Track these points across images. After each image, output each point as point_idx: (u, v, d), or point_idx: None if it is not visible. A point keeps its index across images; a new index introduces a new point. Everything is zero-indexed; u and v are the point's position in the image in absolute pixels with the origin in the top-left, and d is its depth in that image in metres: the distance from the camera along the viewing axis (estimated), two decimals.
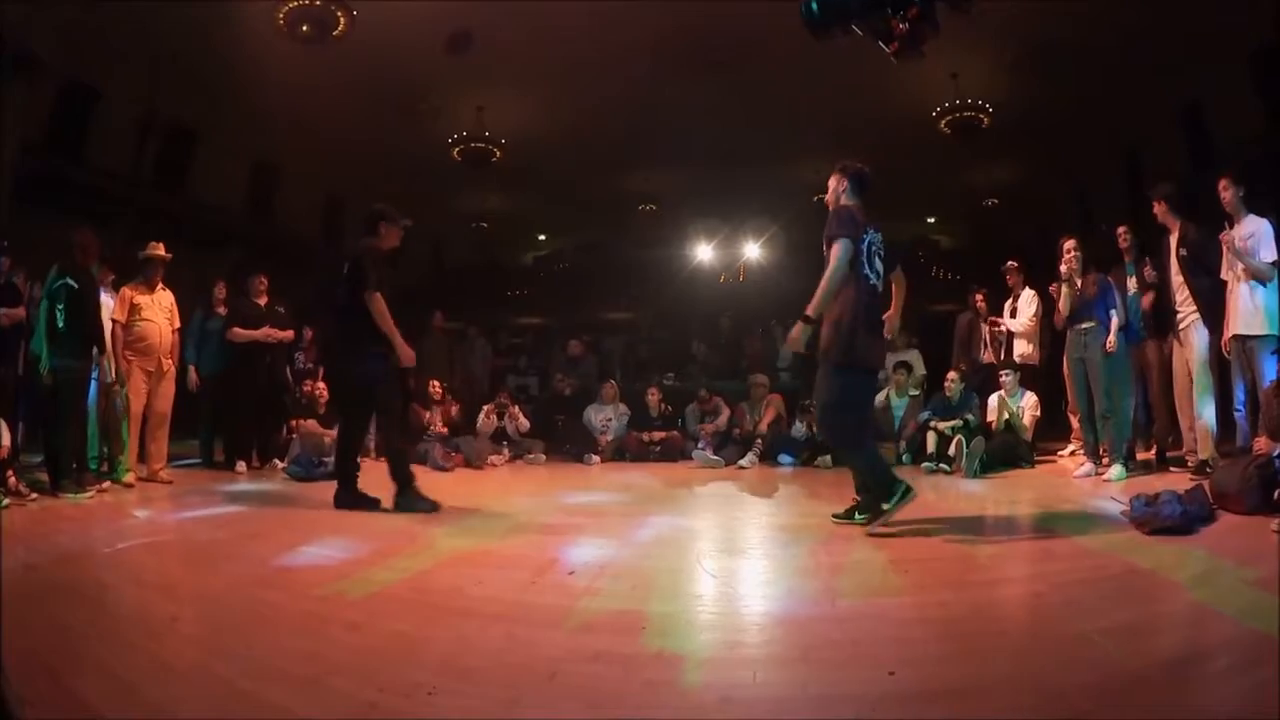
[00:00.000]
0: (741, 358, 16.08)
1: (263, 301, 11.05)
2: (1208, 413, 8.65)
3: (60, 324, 8.26)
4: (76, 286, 8.36)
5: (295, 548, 5.94)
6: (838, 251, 6.43)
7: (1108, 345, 8.89)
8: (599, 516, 7.56)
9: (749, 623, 4.36)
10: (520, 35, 13.46)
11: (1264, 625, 3.89)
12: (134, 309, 9.33)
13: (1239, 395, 8.27)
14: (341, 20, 12.83)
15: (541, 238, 22.35)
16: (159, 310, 9.54)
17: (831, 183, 6.95)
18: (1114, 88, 14.89)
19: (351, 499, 7.82)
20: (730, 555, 6.14)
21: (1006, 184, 19.95)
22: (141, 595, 4.54)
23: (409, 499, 7.65)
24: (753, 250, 17.98)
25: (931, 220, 23.37)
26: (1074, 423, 10.13)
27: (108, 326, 9.08)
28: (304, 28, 12.74)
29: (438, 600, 4.67)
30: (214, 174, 15.34)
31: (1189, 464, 8.87)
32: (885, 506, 6.47)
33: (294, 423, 10.93)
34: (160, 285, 9.59)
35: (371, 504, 7.69)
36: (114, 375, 9.24)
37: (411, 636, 4.05)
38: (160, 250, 9.63)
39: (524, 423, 12.77)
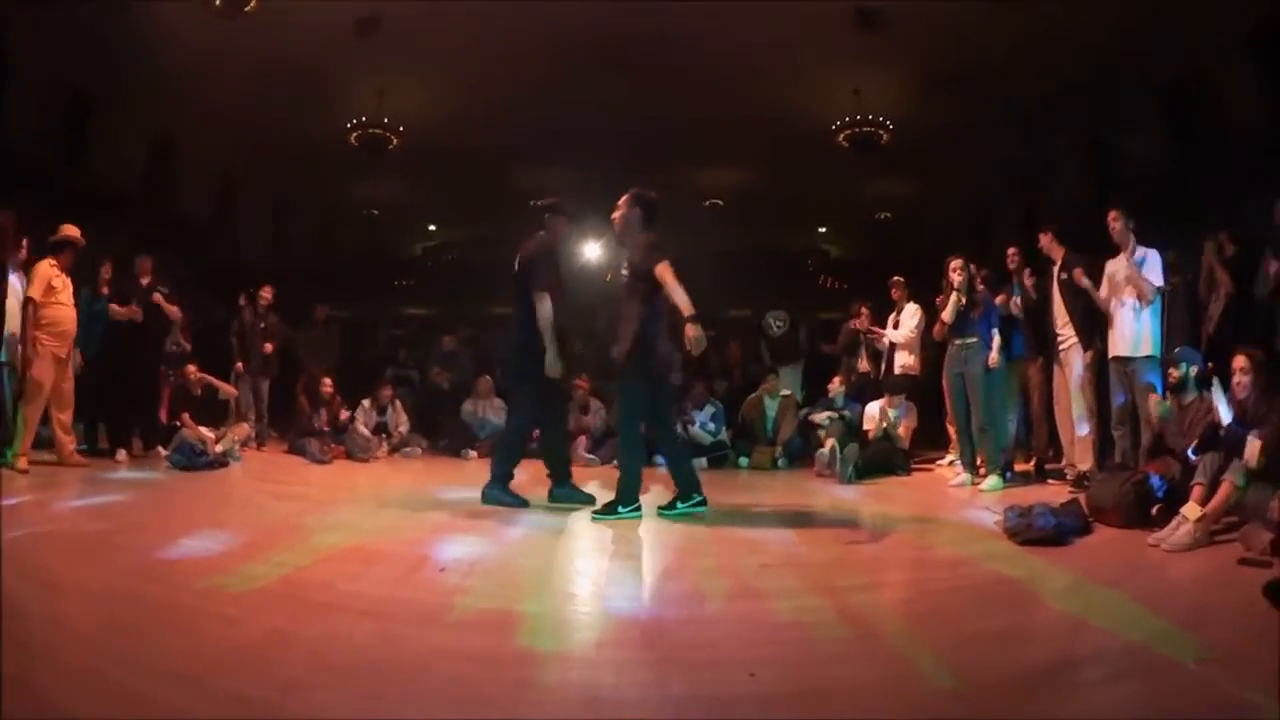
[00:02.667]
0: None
1: (145, 282, 10.86)
2: (1085, 430, 9.05)
3: None
4: None
5: (176, 540, 5.86)
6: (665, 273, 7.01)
7: (990, 361, 9.14)
8: (472, 513, 7.53)
9: (616, 623, 4.43)
10: (428, 22, 13.33)
11: (1133, 637, 4.05)
12: (49, 290, 9.17)
13: (1116, 411, 8.66)
14: None
15: (432, 228, 22.16)
16: (69, 294, 9.42)
17: (624, 209, 7.42)
18: (1017, 115, 15.22)
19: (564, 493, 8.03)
20: (600, 555, 6.19)
21: (901, 199, 20.21)
22: (25, 588, 4.44)
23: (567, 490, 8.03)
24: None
25: (823, 230, 23.59)
26: (952, 434, 10.33)
27: (14, 307, 8.97)
28: (217, 1, 12.48)
29: (312, 596, 4.68)
30: (111, 148, 14.97)
31: (1068, 477, 9.20)
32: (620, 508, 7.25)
33: (183, 417, 10.68)
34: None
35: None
36: (15, 356, 9.09)
37: (286, 632, 4.05)
38: (75, 233, 9.49)
39: (402, 417, 12.69)
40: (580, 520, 7.29)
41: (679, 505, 7.41)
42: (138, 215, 14.25)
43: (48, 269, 9.17)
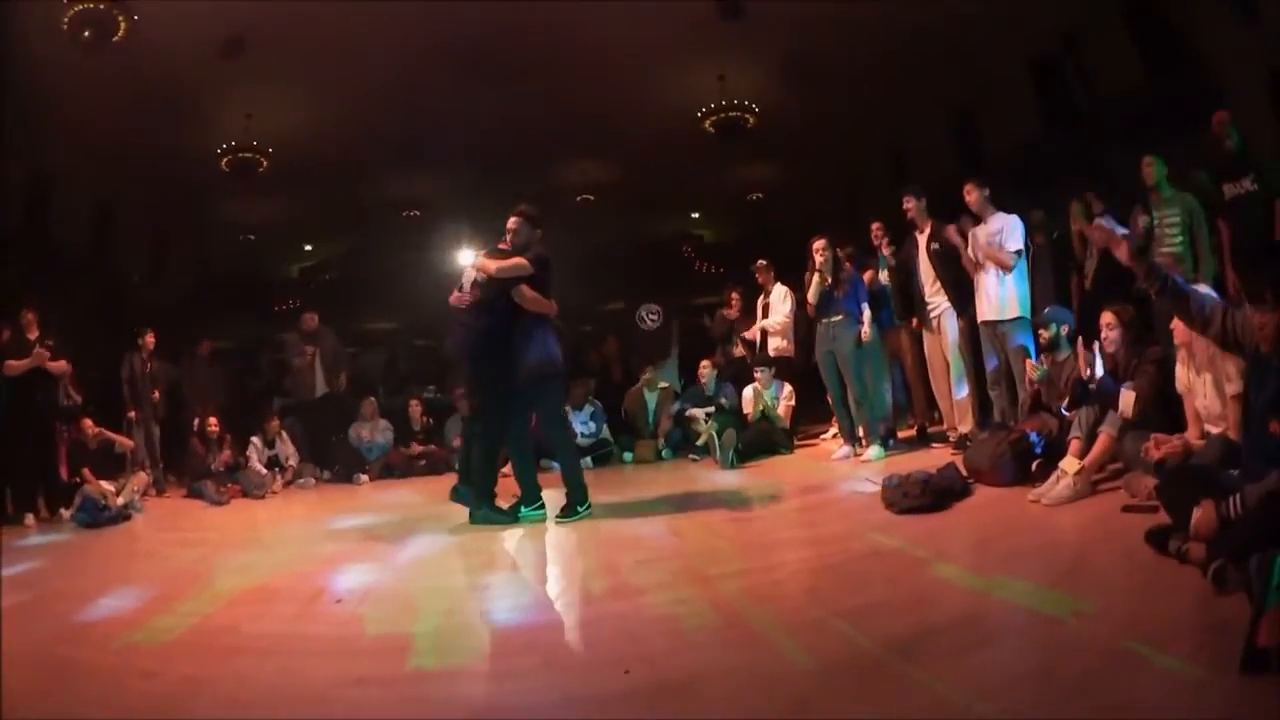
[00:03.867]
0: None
1: (33, 336, 10.42)
2: (964, 392, 9.26)
3: None
4: None
5: (91, 601, 5.85)
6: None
7: (863, 336, 9.34)
8: (365, 540, 7.58)
9: (501, 635, 4.54)
10: (291, 40, 13.18)
11: (1010, 596, 4.24)
12: None
13: (990, 374, 8.88)
14: (122, 24, 12.27)
15: (308, 248, 21.90)
16: None
17: (522, 228, 7.87)
18: (884, 91, 15.37)
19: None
20: (488, 570, 6.23)
21: (771, 180, 20.29)
22: None
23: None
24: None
25: (696, 215, 23.69)
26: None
27: None
28: (86, 33, 12.21)
29: (219, 641, 4.75)
30: None
31: (950, 440, 9.39)
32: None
33: (83, 473, 10.38)
34: None
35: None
36: None
37: (198, 679, 4.13)
38: None
39: (290, 448, 12.45)
40: (468, 536, 7.33)
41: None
42: (16, 256, 13.84)
43: None
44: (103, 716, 3.76)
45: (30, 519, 9.94)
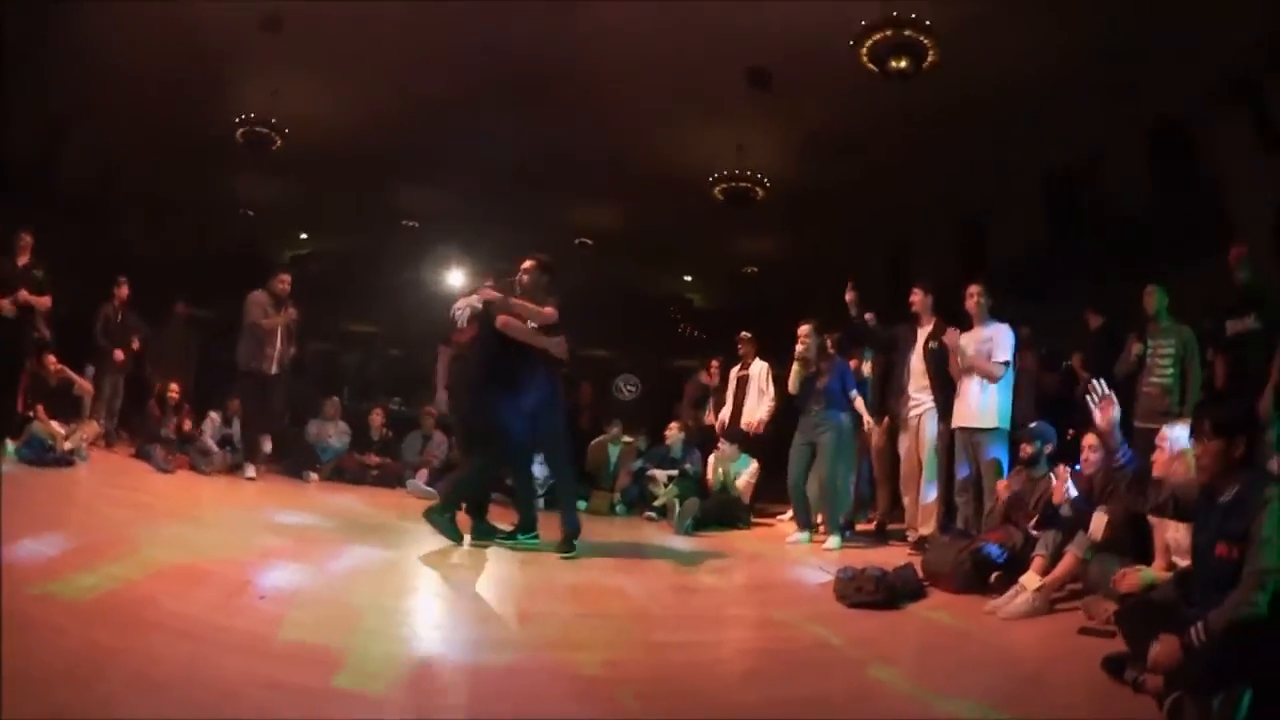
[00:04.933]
0: None
1: (22, 261, 10.33)
2: (933, 495, 9.12)
3: None
4: None
5: (16, 539, 5.62)
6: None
7: (865, 425, 9.52)
8: (303, 540, 7.41)
9: (426, 667, 4.39)
10: (332, 27, 13.12)
11: (957, 709, 4.10)
12: None
13: (959, 481, 8.76)
14: None
15: (303, 236, 21.80)
16: None
17: (536, 274, 8.03)
18: (894, 185, 15.52)
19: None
20: (422, 595, 6.13)
21: (768, 254, 20.39)
22: None
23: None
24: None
25: (688, 279, 23.75)
26: None
27: None
28: None
29: (136, 612, 4.56)
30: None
31: (909, 540, 9.25)
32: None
33: (36, 409, 10.28)
34: None
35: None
36: None
37: (108, 647, 3.97)
38: None
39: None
40: (407, 556, 7.20)
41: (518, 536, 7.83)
42: (22, 189, 13.68)
43: None
44: (6, 661, 3.52)
45: None
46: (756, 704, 4.14)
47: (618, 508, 11.55)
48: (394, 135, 15.83)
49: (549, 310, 7.85)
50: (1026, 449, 7.37)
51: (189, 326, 14.17)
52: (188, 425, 11.90)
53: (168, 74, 14.04)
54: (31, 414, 10.14)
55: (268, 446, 11.43)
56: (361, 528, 8.15)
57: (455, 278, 17.18)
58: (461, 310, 8.07)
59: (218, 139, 15.47)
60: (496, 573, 6.91)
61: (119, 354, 12.24)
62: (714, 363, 12.76)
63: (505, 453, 7.95)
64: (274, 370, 11.35)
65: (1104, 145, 13.54)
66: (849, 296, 9.77)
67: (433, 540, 7.48)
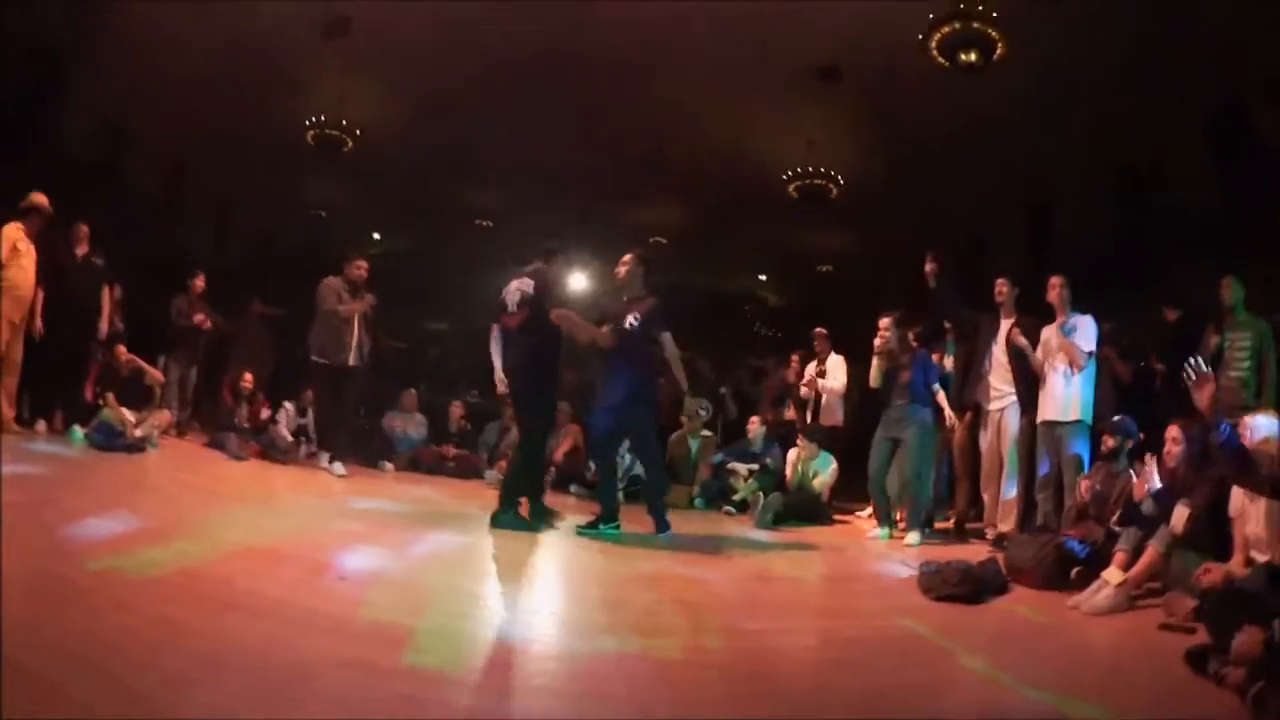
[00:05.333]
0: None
1: (81, 251, 10.49)
2: (1014, 490, 9.00)
3: None
4: None
5: (82, 518, 5.72)
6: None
7: (947, 420, 9.33)
8: (381, 525, 7.44)
9: (505, 648, 4.33)
10: (399, 30, 13.24)
11: (1043, 699, 4.00)
12: (15, 253, 9.15)
13: (1040, 478, 8.62)
14: None
15: (376, 236, 21.97)
16: (32, 260, 9.39)
17: (634, 268, 8.36)
18: (969, 179, 15.32)
19: None
20: (501, 579, 6.10)
21: (843, 253, 20.27)
22: None
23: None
24: (579, 282, 17.99)
25: (763, 278, 23.65)
26: None
27: None
28: None
29: (208, 590, 4.57)
30: (74, 118, 14.68)
31: (988, 537, 9.12)
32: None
33: (107, 396, 10.45)
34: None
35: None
36: None
37: (178, 624, 3.96)
38: (43, 200, 9.48)
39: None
40: (486, 540, 7.24)
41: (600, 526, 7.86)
42: (92, 187, 13.92)
43: (14, 231, 9.20)
44: (62, 636, 3.59)
45: (42, 425, 9.98)
46: (847, 691, 4.08)
47: (697, 501, 11.48)
48: (465, 135, 15.90)
49: (604, 332, 8.16)
50: (1109, 442, 7.26)
51: (264, 325, 14.29)
52: (263, 414, 12.04)
53: (236, 76, 14.22)
54: (101, 402, 10.31)
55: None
56: (440, 515, 8.15)
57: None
58: (512, 294, 8.08)
59: (288, 141, 15.63)
60: (576, 560, 6.94)
61: (204, 322, 12.33)
62: (794, 357, 12.65)
63: (537, 436, 8.28)
64: (352, 362, 10.71)
65: (1174, 135, 13.28)
66: (929, 268, 9.70)
67: (511, 530, 7.51)
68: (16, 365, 9.39)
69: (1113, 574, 5.86)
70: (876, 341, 9.33)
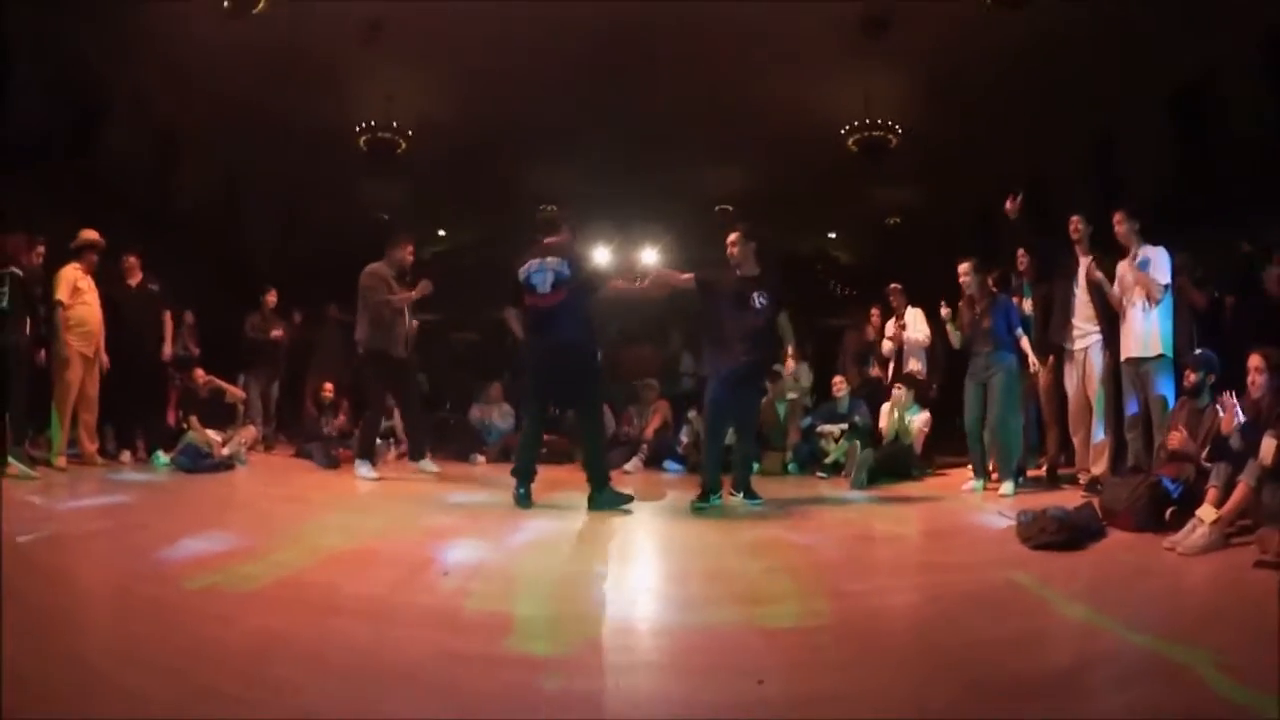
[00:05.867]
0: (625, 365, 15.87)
1: (134, 281, 10.61)
2: (1103, 432, 8.94)
3: (5, 305, 8.46)
4: (21, 275, 8.64)
5: (175, 540, 5.83)
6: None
7: (1031, 365, 9.34)
8: (478, 517, 7.54)
9: (615, 628, 4.39)
10: (434, 23, 13.24)
11: (1144, 641, 3.98)
12: (76, 292, 9.33)
13: (1129, 418, 8.57)
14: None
15: (441, 233, 22.06)
16: (94, 295, 9.56)
17: (743, 242, 8.49)
18: (1027, 119, 15.11)
19: None
20: (603, 560, 6.13)
21: (909, 204, 20.10)
22: (29, 587, 4.39)
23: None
24: (649, 257, 17.93)
25: (832, 236, 23.50)
26: None
27: None
28: (225, 2, 12.36)
29: (309, 597, 4.66)
30: (119, 143, 14.75)
31: (1081, 482, 9.06)
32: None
33: (190, 419, 10.63)
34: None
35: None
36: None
37: (280, 633, 4.05)
38: (95, 235, 9.62)
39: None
40: (584, 523, 7.32)
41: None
42: (144, 212, 14.12)
43: (72, 273, 9.36)
44: (164, 656, 3.68)
45: (127, 455, 10.19)
46: (957, 646, 4.07)
47: (790, 467, 11.56)
48: (518, 119, 15.93)
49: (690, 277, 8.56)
50: (1191, 376, 7.18)
51: (341, 329, 14.43)
52: (343, 421, 12.28)
53: (278, 85, 14.28)
54: (185, 425, 10.50)
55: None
56: (536, 502, 8.16)
57: (600, 255, 17.26)
58: (540, 273, 8.10)
59: (343, 145, 15.77)
60: (677, 535, 7.04)
61: (277, 333, 12.65)
62: (874, 312, 12.59)
63: (600, 408, 8.68)
64: (403, 353, 10.27)
65: (1231, 61, 12.98)
66: (1009, 205, 9.68)
67: (609, 511, 7.61)
68: (93, 401, 9.60)
69: (1206, 512, 5.79)
70: (963, 279, 9.41)
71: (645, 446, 12.01)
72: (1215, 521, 5.71)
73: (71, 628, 4.08)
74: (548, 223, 8.44)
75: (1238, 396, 6.36)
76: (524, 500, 7.88)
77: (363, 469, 9.85)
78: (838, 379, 11.92)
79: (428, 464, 10.38)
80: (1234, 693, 3.29)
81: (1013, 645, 4.12)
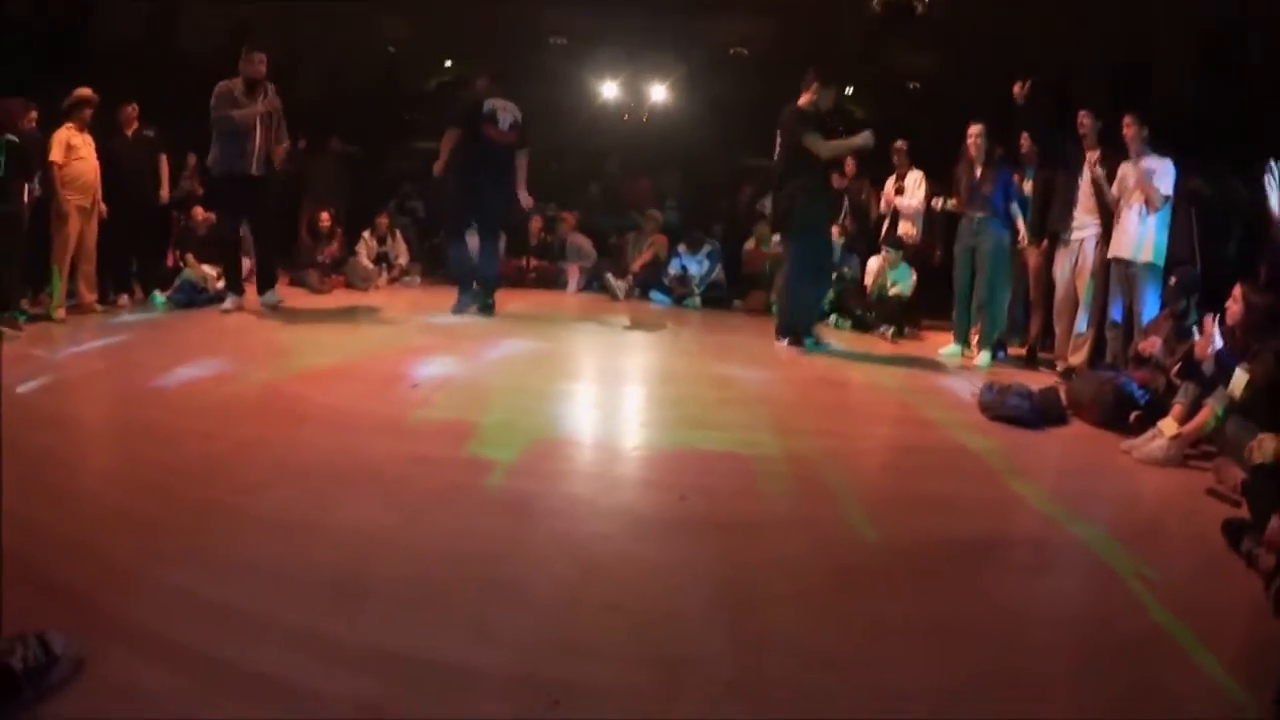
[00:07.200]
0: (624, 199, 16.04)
1: (131, 130, 10.40)
2: (1086, 324, 8.96)
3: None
4: (17, 140, 8.52)
5: (168, 370, 6.04)
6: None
7: (1020, 240, 9.35)
8: (457, 337, 7.78)
9: (563, 440, 4.74)
10: None
11: (1077, 533, 4.18)
12: (70, 149, 9.24)
13: (1114, 314, 8.63)
14: None
15: (448, 64, 21.80)
16: (90, 149, 9.46)
17: (819, 88, 9.57)
18: (1062, 11, 14.86)
19: None
20: (568, 378, 6.48)
21: (930, 72, 19.87)
22: (21, 426, 4.49)
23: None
24: (659, 93, 17.78)
25: (849, 91, 23.29)
26: None
27: None
28: None
29: (284, 408, 5.01)
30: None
31: (1057, 369, 9.10)
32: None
33: (186, 257, 10.76)
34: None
35: None
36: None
37: (253, 441, 4.39)
38: (87, 92, 9.46)
39: (401, 246, 12.75)
40: (563, 348, 7.64)
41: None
42: (143, 61, 13.89)
43: (65, 132, 9.27)
44: (154, 474, 3.98)
45: (124, 299, 10.20)
46: (890, 498, 4.30)
47: (774, 307, 11.29)
48: None
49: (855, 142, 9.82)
50: (1175, 294, 7.21)
51: (341, 162, 14.38)
52: (337, 248, 12.36)
53: None
54: (182, 264, 10.64)
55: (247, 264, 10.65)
56: (520, 324, 8.45)
57: (609, 89, 17.10)
58: (504, 114, 8.96)
59: None
60: (646, 363, 7.40)
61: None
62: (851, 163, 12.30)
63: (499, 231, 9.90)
64: (255, 171, 9.64)
65: None
66: (1017, 89, 9.54)
67: (588, 334, 7.91)
68: (92, 251, 9.56)
69: (1168, 425, 5.88)
70: (968, 149, 9.49)
71: (631, 276, 12.24)
72: (1175, 437, 5.80)
73: (68, 463, 4.29)
74: (501, 75, 9.24)
75: (1219, 322, 6.42)
76: (465, 306, 8.67)
77: (227, 302, 9.69)
78: (833, 229, 11.84)
79: (272, 296, 9.99)
80: (1150, 606, 3.44)
81: (944, 505, 4.33)
